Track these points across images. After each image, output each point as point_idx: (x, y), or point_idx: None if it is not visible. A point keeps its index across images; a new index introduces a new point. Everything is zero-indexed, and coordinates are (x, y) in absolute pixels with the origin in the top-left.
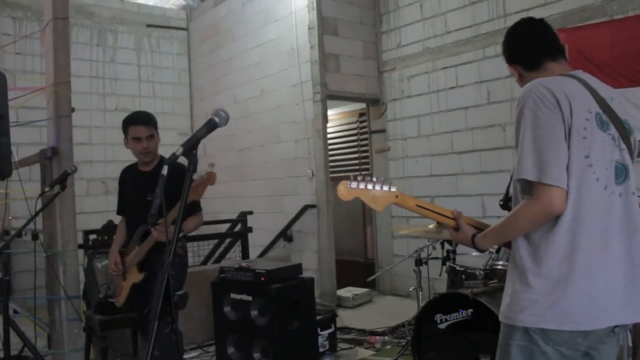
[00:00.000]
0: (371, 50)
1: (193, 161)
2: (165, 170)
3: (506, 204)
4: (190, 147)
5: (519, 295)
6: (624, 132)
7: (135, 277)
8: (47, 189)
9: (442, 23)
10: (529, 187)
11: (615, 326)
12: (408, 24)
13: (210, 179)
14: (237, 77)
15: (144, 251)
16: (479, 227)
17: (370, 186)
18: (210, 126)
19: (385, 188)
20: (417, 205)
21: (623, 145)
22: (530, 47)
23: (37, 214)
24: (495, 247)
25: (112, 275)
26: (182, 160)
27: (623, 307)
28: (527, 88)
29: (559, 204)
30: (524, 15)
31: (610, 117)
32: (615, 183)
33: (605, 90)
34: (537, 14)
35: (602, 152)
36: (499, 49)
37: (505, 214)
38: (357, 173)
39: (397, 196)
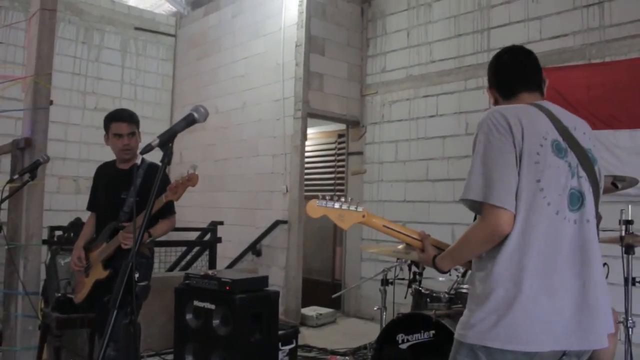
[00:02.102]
0: (355, 73)
1: (168, 153)
2: (139, 160)
3: None
4: (167, 140)
5: (469, 313)
6: (586, 160)
7: (100, 273)
8: (15, 176)
9: (427, 52)
10: (480, 209)
11: (564, 354)
12: (394, 50)
13: (191, 180)
14: (220, 87)
15: (111, 248)
16: (443, 249)
17: (337, 205)
18: (189, 121)
19: (353, 207)
20: (384, 226)
21: (582, 173)
22: (509, 76)
23: (2, 201)
24: (462, 270)
25: (74, 271)
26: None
27: (570, 333)
28: (484, 116)
29: (505, 225)
30: None
31: (570, 144)
32: (569, 209)
33: (569, 119)
34: None
35: (556, 178)
36: (480, 81)
37: None
38: (332, 193)
39: (363, 216)
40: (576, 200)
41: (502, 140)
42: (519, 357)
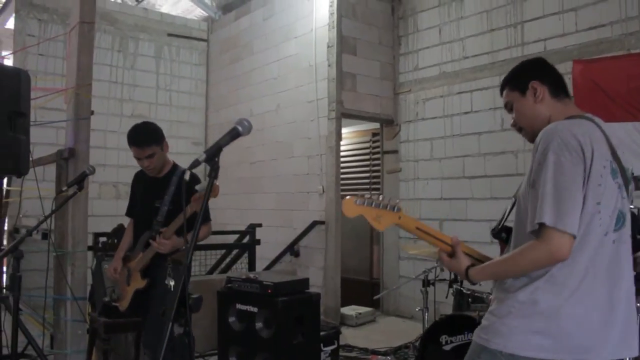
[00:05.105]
0: (388, 71)
1: (215, 168)
2: (187, 175)
3: (499, 233)
4: (213, 154)
5: (497, 319)
6: (626, 181)
7: (139, 283)
8: (64, 188)
9: (460, 48)
10: (538, 229)
11: None
12: (426, 48)
13: (212, 191)
14: (254, 90)
15: (147, 258)
16: (477, 259)
17: (375, 205)
18: (233, 135)
19: (390, 208)
20: (417, 228)
21: (625, 194)
22: (558, 77)
23: (53, 212)
24: None
25: (116, 279)
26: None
27: (592, 346)
28: (552, 130)
29: (567, 252)
30: (542, 44)
31: (618, 165)
32: (613, 230)
33: (613, 136)
34: (555, 44)
35: (610, 200)
36: None
37: (495, 242)
38: (368, 192)
39: (400, 217)
40: (619, 220)
41: (573, 162)
42: None
